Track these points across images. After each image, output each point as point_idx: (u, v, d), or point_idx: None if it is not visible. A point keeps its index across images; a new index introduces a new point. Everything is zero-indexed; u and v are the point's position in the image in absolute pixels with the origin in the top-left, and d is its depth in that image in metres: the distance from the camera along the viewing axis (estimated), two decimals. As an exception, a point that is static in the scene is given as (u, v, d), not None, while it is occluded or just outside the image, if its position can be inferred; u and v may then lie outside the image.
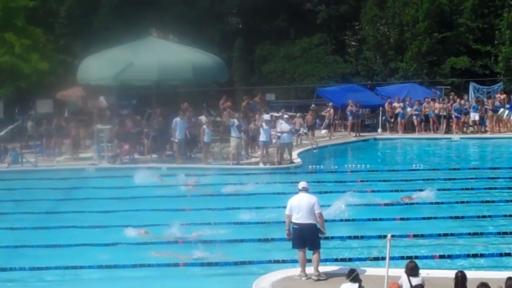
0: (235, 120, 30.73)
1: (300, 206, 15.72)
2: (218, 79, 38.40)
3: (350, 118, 38.98)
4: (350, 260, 16.76)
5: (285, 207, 16.13)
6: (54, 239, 19.12)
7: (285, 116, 32.08)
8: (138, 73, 33.55)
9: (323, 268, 15.93)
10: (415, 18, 50.11)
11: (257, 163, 31.02)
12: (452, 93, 42.70)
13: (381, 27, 52.68)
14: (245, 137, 32.09)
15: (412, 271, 13.35)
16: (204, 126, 30.93)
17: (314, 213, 15.64)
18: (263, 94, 40.79)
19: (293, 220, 15.79)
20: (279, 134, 30.55)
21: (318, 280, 15.50)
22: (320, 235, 15.92)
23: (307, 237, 15.80)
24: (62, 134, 33.33)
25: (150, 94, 37.30)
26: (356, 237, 18.86)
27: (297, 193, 16.12)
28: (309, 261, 15.72)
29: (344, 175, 28.38)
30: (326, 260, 16.40)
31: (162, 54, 34.66)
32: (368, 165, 30.14)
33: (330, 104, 39.84)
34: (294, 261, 16.47)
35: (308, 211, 15.65)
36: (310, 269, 15.63)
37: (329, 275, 15.74)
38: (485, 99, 41.45)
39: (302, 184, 16.17)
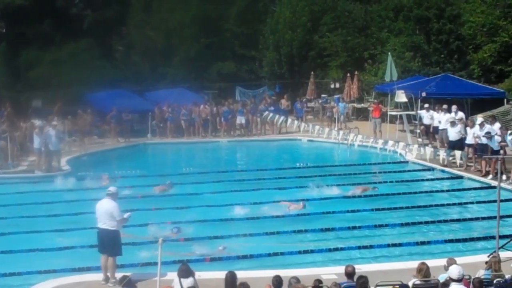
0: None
1: (99, 211, 15.83)
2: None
3: (112, 123, 38.61)
4: (122, 266, 16.58)
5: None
6: None
7: (54, 123, 31.42)
8: None
9: (98, 276, 15.86)
10: (182, 24, 50.63)
11: (25, 171, 30.16)
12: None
13: (148, 32, 52.78)
14: (11, 145, 30.97)
15: (183, 273, 13.46)
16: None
17: (112, 219, 15.64)
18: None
19: (97, 225, 15.88)
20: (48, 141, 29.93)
21: (115, 285, 15.35)
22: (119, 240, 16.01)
23: (105, 243, 15.78)
24: None
25: None
26: (127, 244, 18.72)
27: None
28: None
29: (114, 181, 28.07)
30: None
31: None
32: (138, 170, 30.03)
33: (89, 110, 39.09)
34: (69, 270, 16.39)
35: (105, 216, 15.69)
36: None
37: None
38: (249, 102, 42.70)
39: (108, 189, 16.19)
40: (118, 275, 15.68)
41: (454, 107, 32.37)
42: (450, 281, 12.62)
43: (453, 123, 30.69)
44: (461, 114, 31.92)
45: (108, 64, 51.08)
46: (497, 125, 28.75)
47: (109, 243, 15.81)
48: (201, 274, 15.34)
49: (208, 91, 47.02)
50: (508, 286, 13.63)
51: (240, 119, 40.39)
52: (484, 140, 28.06)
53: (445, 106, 33.32)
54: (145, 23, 52.55)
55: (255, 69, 53.10)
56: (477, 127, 28.83)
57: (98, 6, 55.02)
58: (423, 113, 35.19)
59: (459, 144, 30.28)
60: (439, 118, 33.04)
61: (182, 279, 13.37)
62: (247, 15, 53.12)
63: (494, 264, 14.43)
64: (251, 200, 24.05)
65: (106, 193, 16.10)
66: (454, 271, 12.54)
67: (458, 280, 12.46)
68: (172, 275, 13.93)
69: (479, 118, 29.51)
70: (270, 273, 14.45)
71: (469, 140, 29.38)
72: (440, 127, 32.77)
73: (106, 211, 15.71)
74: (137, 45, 52.59)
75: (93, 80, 46.89)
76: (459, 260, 14.80)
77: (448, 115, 32.20)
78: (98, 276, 16.03)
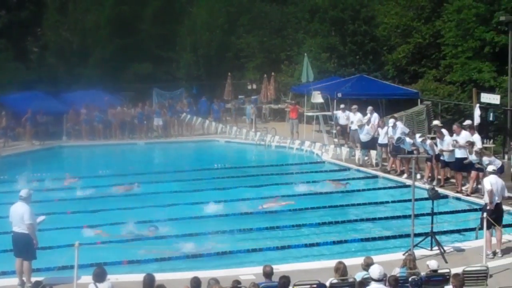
0: None
1: (12, 215, 15.73)
2: None
3: (27, 126, 37.90)
4: (38, 270, 16.27)
5: None
6: None
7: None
8: None
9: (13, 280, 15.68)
10: (97, 24, 50.10)
11: None
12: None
13: (64, 32, 52.06)
14: None
15: (98, 277, 13.25)
16: None
17: (24, 222, 15.48)
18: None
19: (12, 228, 15.80)
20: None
21: None
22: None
23: (20, 247, 15.65)
24: None
25: None
26: (43, 248, 18.38)
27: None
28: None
29: (29, 184, 27.55)
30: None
31: None
32: (54, 173, 29.53)
33: (3, 113, 38.32)
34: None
35: (18, 220, 15.56)
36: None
37: None
38: (166, 103, 42.57)
39: (20, 193, 16.01)
40: (34, 279, 15.41)
41: (369, 108, 32.70)
42: (371, 281, 12.74)
43: (360, 126, 31.14)
44: (375, 115, 32.20)
45: (22, 66, 50.19)
46: (399, 124, 29.41)
47: (24, 247, 15.62)
48: (118, 277, 15.27)
49: (125, 92, 46.55)
50: (424, 284, 13.90)
51: (157, 121, 40.17)
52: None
53: (354, 106, 33.76)
54: (60, 23, 51.81)
55: (172, 71, 52.86)
56: (390, 127, 29.31)
57: (12, 6, 54.00)
58: (339, 113, 35.61)
59: (371, 144, 30.77)
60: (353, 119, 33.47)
61: (97, 284, 13.18)
62: (164, 16, 52.82)
63: (409, 262, 14.69)
64: (168, 202, 24.00)
65: (18, 197, 15.86)
66: (375, 271, 12.63)
67: (379, 280, 12.60)
68: (89, 279, 13.75)
69: (391, 120, 29.94)
70: (188, 274, 14.44)
71: (382, 140, 29.88)
72: (352, 128, 33.24)
73: (18, 215, 15.56)
74: (53, 46, 51.80)
75: (7, 82, 46.02)
76: (375, 258, 15.03)
77: (358, 115, 32.68)
78: (14, 281, 15.75)
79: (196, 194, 25.43)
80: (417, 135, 27.49)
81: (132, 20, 51.52)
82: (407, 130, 28.79)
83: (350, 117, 34.25)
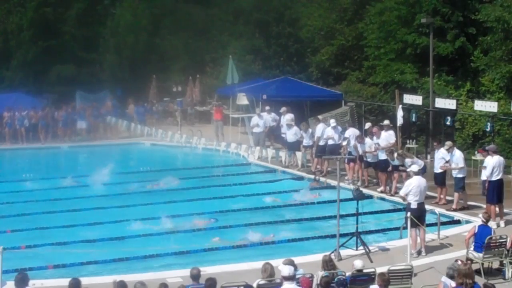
0: None
1: None
2: None
3: None
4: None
5: None
6: None
7: None
8: None
9: None
10: (19, 26, 49.32)
11: None
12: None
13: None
14: None
15: (20, 282, 12.92)
16: None
17: None
18: None
19: None
20: None
21: None
22: None
23: None
24: None
25: None
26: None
27: None
28: None
29: None
30: None
31: None
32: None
33: None
34: None
35: None
36: None
37: None
38: (90, 106, 42.11)
39: None
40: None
41: (283, 109, 32.80)
42: (283, 280, 12.72)
43: (289, 126, 31.27)
44: (291, 116, 32.29)
45: None
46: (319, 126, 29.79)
47: None
48: (44, 282, 15.05)
49: (47, 95, 45.81)
50: (349, 283, 14.02)
51: (81, 124, 39.66)
52: (322, 142, 28.93)
53: (267, 108, 34.07)
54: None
55: (96, 73, 52.24)
56: (316, 129, 29.53)
57: None
58: (264, 115, 35.67)
59: (297, 145, 31.00)
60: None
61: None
62: (87, 18, 52.22)
63: (326, 264, 14.69)
64: (95, 205, 23.75)
65: None
66: (285, 269, 12.64)
67: (290, 278, 12.57)
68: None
69: (332, 120, 30.10)
70: (115, 278, 14.29)
71: (307, 142, 30.09)
72: (256, 131, 33.66)
73: None
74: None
75: None
76: (302, 259, 15.11)
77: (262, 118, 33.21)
78: None
79: (121, 197, 25.23)
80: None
81: (55, 22, 50.76)
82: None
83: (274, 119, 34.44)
